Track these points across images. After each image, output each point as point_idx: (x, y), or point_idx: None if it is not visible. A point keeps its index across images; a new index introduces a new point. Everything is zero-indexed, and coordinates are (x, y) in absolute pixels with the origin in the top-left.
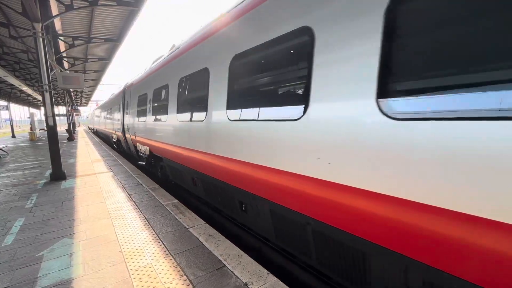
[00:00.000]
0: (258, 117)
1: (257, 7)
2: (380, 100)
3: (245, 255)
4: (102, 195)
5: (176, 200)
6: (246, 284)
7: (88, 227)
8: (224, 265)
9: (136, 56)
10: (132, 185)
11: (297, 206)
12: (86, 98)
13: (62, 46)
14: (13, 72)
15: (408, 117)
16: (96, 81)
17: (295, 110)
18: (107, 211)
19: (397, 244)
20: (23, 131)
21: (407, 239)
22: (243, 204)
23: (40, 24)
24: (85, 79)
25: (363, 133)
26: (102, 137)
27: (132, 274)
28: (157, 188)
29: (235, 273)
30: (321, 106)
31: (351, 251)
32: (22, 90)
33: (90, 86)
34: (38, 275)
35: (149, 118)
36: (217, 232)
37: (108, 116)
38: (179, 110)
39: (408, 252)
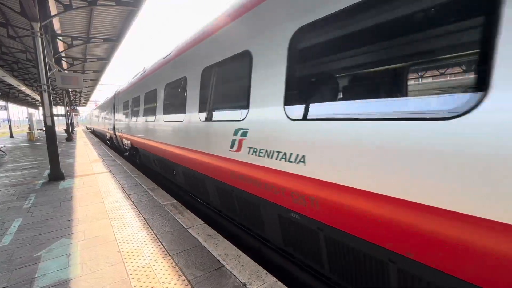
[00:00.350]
0: (213, 118)
1: (217, 32)
2: (285, 106)
3: (244, 255)
4: (100, 195)
5: (175, 200)
6: (244, 284)
7: (86, 227)
8: (223, 265)
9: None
10: (130, 185)
11: (199, 167)
12: (85, 98)
13: (61, 46)
14: (11, 72)
15: (299, 119)
16: (95, 81)
17: (243, 113)
18: (105, 211)
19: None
20: (21, 131)
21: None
22: (174, 171)
23: (39, 24)
24: (84, 79)
25: (277, 130)
26: (99, 136)
27: (131, 274)
28: (155, 188)
29: (234, 273)
30: (256, 110)
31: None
32: (21, 90)
33: (89, 86)
34: (36, 276)
35: (130, 119)
36: (216, 232)
37: (103, 117)
38: (152, 113)
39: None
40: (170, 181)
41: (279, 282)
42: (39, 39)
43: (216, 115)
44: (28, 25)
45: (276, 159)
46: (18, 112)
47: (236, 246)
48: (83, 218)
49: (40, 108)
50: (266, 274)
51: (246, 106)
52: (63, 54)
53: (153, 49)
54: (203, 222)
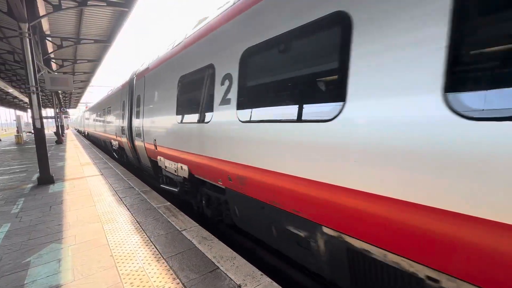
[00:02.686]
0: (183, 120)
1: (189, 47)
2: (237, 111)
3: (238, 257)
4: (92, 198)
5: (169, 203)
6: (239, 286)
7: (77, 231)
8: (218, 267)
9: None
10: (123, 188)
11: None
12: (75, 100)
13: (50, 47)
14: None
15: (247, 120)
16: (86, 83)
17: (208, 117)
18: (97, 215)
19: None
20: (9, 134)
21: None
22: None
23: (27, 24)
24: (74, 81)
25: (231, 130)
26: (95, 142)
27: (124, 278)
28: (149, 190)
29: (229, 275)
30: (219, 113)
31: None
32: (8, 92)
33: (79, 88)
34: (25, 282)
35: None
36: (210, 234)
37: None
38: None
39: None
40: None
41: (274, 283)
42: (27, 40)
43: None
44: (15, 25)
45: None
46: (5, 115)
47: (231, 248)
48: (74, 222)
49: (29, 110)
50: (261, 275)
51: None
52: (52, 55)
53: (147, 49)
54: (197, 224)
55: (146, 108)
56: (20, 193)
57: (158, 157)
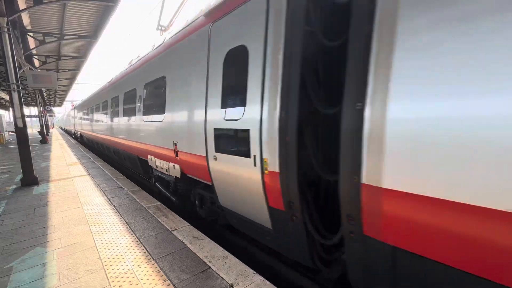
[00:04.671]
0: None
1: (150, 60)
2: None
3: (230, 256)
4: (78, 199)
5: (159, 202)
6: (231, 286)
7: (63, 234)
8: (209, 267)
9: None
10: (111, 188)
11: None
12: (61, 98)
13: (31, 43)
14: None
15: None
16: (71, 80)
17: (160, 117)
18: (84, 216)
19: None
20: None
21: None
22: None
23: (5, 19)
24: (58, 78)
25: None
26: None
27: (112, 281)
28: (138, 190)
29: (221, 275)
30: (170, 114)
31: None
32: None
33: (64, 86)
34: None
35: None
36: (202, 234)
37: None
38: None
39: None
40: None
41: (267, 281)
42: (6, 35)
43: None
44: None
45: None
46: None
47: (223, 247)
48: (60, 224)
49: (11, 109)
50: (254, 273)
51: None
52: (34, 51)
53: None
54: (188, 224)
55: None
56: (2, 196)
57: None
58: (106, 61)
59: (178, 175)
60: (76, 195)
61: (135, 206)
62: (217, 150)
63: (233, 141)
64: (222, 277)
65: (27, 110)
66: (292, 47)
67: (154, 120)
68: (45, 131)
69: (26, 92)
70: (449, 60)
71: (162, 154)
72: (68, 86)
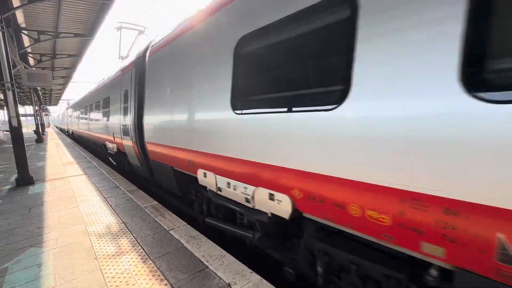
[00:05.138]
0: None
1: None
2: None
3: (228, 255)
4: (75, 199)
5: (156, 202)
6: (229, 285)
7: (59, 234)
8: (207, 266)
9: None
10: (108, 188)
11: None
12: (56, 97)
13: (26, 41)
14: None
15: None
16: (67, 78)
17: (107, 119)
18: (80, 216)
19: None
20: None
21: None
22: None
23: None
24: (54, 77)
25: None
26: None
27: (109, 281)
28: (135, 190)
29: (218, 274)
30: (111, 117)
31: None
32: None
33: (60, 84)
34: None
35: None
36: (199, 233)
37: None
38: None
39: None
40: (150, 182)
41: (264, 280)
42: (0, 33)
43: None
44: None
45: None
46: None
47: (221, 246)
48: (56, 224)
49: (5, 108)
50: (251, 273)
51: None
52: (29, 50)
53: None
54: (185, 223)
55: None
56: None
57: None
58: (103, 59)
59: (116, 150)
60: (72, 195)
61: (132, 205)
62: (124, 135)
63: (126, 130)
64: (219, 277)
65: (22, 109)
66: (138, 90)
67: (104, 121)
68: (40, 130)
69: (21, 91)
70: None
71: (110, 139)
72: (64, 85)
